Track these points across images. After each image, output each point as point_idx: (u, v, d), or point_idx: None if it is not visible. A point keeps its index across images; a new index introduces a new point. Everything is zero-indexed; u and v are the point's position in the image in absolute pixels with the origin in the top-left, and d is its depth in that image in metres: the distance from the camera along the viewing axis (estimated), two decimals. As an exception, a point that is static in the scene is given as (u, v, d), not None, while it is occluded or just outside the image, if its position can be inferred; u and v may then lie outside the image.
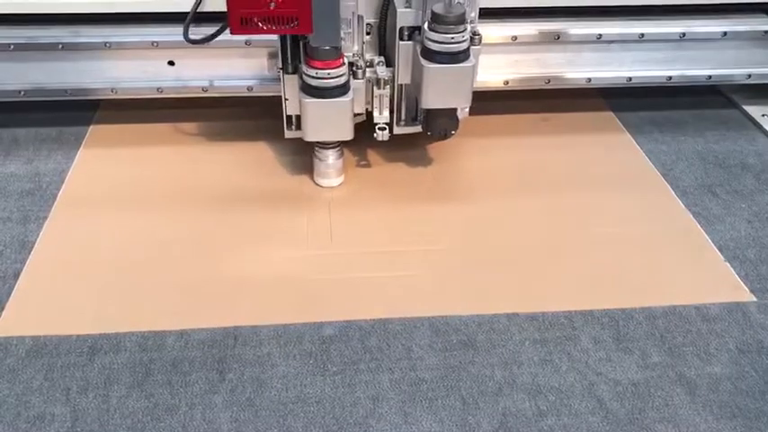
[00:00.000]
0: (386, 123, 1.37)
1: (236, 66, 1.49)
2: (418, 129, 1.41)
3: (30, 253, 1.24)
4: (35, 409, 0.99)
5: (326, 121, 1.29)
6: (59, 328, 1.10)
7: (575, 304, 1.17)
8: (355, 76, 1.31)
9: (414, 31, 1.29)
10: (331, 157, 1.40)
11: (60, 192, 1.39)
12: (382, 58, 1.36)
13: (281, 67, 1.32)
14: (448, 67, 1.25)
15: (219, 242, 1.27)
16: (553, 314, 1.15)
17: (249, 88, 1.49)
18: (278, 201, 1.38)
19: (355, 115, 1.33)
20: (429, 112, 1.34)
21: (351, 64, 1.30)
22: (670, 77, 1.59)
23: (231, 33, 1.19)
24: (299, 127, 1.36)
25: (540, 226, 1.33)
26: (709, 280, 1.23)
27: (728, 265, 1.25)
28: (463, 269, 1.23)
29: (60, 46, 1.44)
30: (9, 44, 1.43)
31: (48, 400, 1.00)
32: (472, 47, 1.28)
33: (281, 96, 1.36)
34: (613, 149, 1.56)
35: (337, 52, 1.24)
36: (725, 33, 1.56)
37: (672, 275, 1.23)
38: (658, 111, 1.69)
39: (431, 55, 1.25)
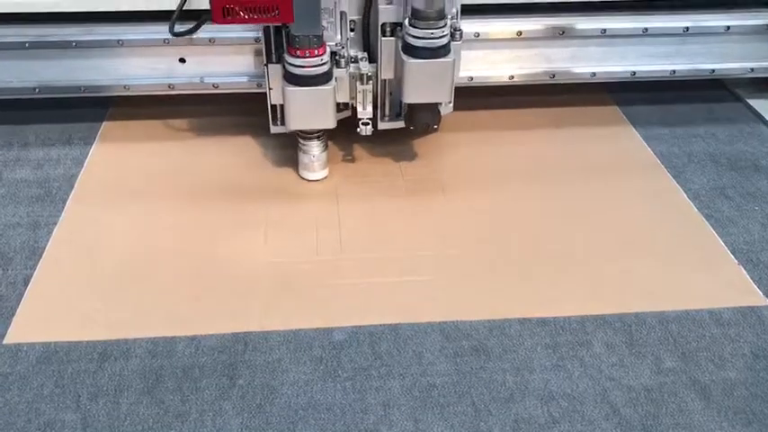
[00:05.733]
0: (369, 119, 1.38)
1: (245, 63, 1.51)
2: (402, 124, 1.43)
3: (40, 259, 1.24)
4: (46, 416, 0.99)
5: (309, 109, 1.31)
6: (70, 335, 1.10)
7: (586, 309, 1.16)
8: (338, 65, 1.32)
9: (396, 27, 1.32)
10: (315, 149, 1.40)
11: (70, 197, 1.39)
12: (365, 54, 1.38)
13: (265, 57, 1.33)
14: (428, 62, 1.28)
15: (228, 244, 1.27)
16: (565, 319, 1.14)
17: (259, 84, 1.51)
18: (285, 197, 1.38)
19: (341, 110, 1.36)
20: (411, 106, 1.38)
21: (333, 53, 1.32)
22: (674, 71, 1.61)
23: (213, 23, 1.22)
24: (284, 122, 1.38)
25: (549, 229, 1.32)
26: (723, 284, 1.21)
27: (742, 268, 1.24)
28: (473, 274, 1.23)
29: (74, 44, 1.47)
30: (24, 42, 1.46)
31: (58, 407, 1.00)
32: (453, 42, 1.30)
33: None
34: (624, 153, 1.55)
35: (318, 41, 1.26)
36: (728, 27, 1.57)
37: (684, 279, 1.22)
38: (665, 106, 1.70)
39: (412, 50, 1.28)
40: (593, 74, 1.59)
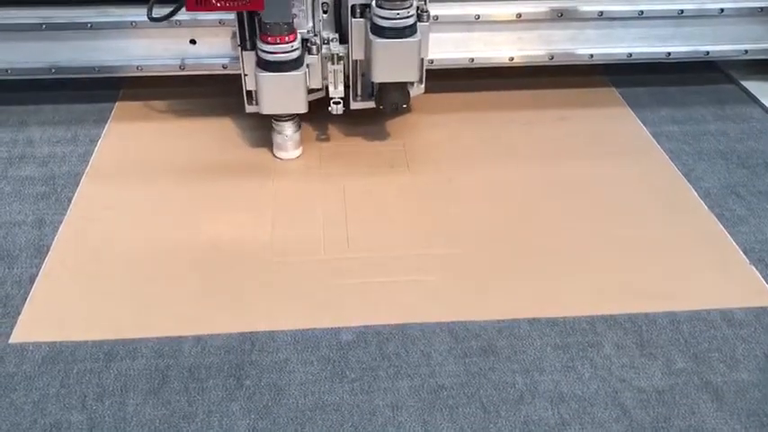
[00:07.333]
0: (340, 98, 1.42)
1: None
2: (373, 104, 1.48)
3: (45, 257, 1.24)
4: (52, 417, 0.98)
5: (280, 94, 1.36)
6: (75, 334, 1.09)
7: (596, 309, 1.14)
8: (310, 52, 1.37)
9: (365, 9, 1.37)
10: (288, 129, 1.45)
11: (75, 195, 1.38)
12: (337, 35, 1.42)
13: (239, 44, 1.37)
14: (394, 42, 1.33)
15: (233, 241, 1.26)
16: (575, 319, 1.13)
17: None
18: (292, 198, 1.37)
19: (312, 91, 1.41)
20: (380, 86, 1.43)
21: (305, 40, 1.37)
22: (669, 53, 1.64)
23: (186, 10, 1.27)
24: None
25: (558, 228, 1.31)
26: (735, 284, 1.20)
27: (754, 268, 1.23)
28: (481, 273, 1.21)
29: (89, 25, 1.51)
30: (41, 24, 1.50)
31: (64, 407, 0.99)
32: (420, 23, 1.35)
33: None
34: (634, 150, 1.53)
35: (289, 28, 1.31)
36: (722, 10, 1.60)
37: (696, 279, 1.21)
38: (663, 90, 1.72)
39: (379, 30, 1.33)
40: (591, 55, 1.62)
